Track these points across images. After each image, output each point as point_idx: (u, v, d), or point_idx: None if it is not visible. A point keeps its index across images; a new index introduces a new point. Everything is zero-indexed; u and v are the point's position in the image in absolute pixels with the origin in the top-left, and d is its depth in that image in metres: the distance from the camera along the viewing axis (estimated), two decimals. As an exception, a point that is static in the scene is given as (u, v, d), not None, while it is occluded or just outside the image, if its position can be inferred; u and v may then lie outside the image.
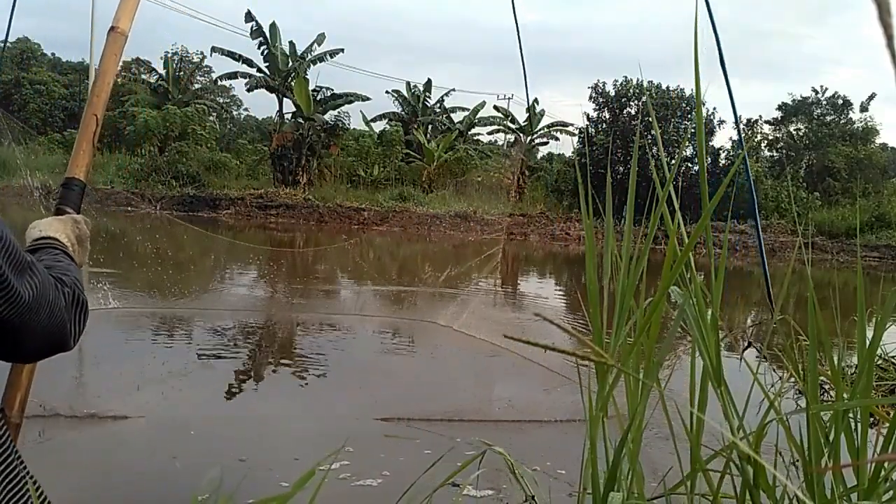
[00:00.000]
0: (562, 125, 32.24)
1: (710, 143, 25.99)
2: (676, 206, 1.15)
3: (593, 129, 27.17)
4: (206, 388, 5.26)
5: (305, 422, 4.64)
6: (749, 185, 2.41)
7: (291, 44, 28.07)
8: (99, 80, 1.48)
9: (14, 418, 1.16)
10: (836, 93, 28.87)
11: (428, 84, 31.68)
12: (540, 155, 34.40)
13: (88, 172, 1.39)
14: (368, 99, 29.39)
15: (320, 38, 27.96)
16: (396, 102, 32.06)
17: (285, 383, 5.67)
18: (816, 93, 29.17)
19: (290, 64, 27.89)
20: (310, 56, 28.07)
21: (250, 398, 5.20)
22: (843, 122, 28.87)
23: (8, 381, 1.17)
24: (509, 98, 32.38)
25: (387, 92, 32.20)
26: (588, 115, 27.87)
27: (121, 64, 1.64)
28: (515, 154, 29.08)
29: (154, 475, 3.57)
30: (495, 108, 32.08)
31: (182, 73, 31.89)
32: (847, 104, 28.78)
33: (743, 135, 28.99)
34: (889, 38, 0.36)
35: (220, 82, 31.70)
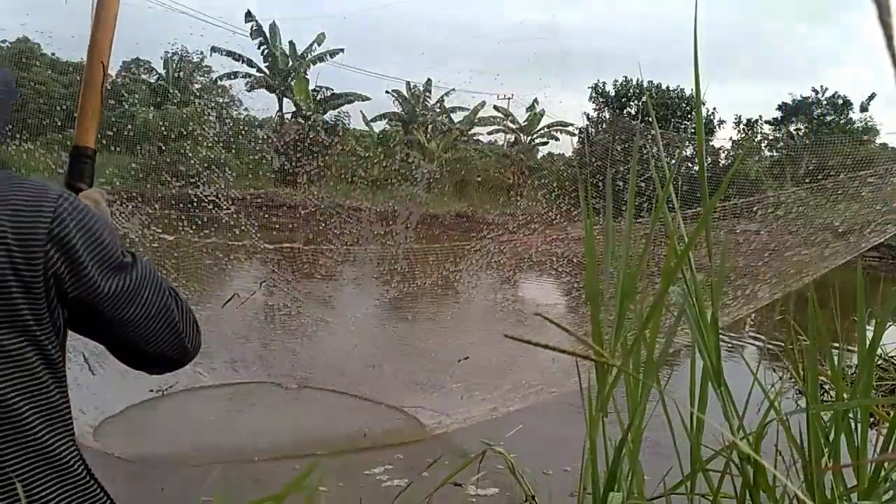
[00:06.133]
0: (562, 125, 32.21)
1: (710, 143, 25.95)
2: (677, 205, 1.15)
3: (593, 130, 27.18)
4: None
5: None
6: None
7: (291, 44, 28.07)
8: (101, 12, 1.21)
9: None
10: (836, 93, 28.85)
11: (428, 84, 31.66)
12: (540, 155, 34.36)
13: (97, 137, 1.19)
14: (368, 99, 29.38)
15: (320, 38, 27.97)
16: (396, 102, 32.02)
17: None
18: (816, 93, 29.15)
19: (290, 64, 27.89)
20: (310, 56, 28.07)
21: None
22: (843, 122, 28.86)
23: None
24: (509, 98, 32.35)
25: (387, 92, 32.13)
26: (588, 115, 27.89)
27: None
28: (515, 154, 29.08)
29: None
30: (495, 108, 32.04)
31: (182, 73, 31.83)
32: (847, 104, 28.77)
33: (743, 135, 29.02)
34: (889, 38, 0.36)
35: (220, 82, 31.64)
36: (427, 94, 31.78)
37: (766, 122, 29.68)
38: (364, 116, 31.56)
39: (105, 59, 1.21)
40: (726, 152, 27.22)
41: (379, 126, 31.59)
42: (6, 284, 0.88)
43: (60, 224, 0.92)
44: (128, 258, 1.01)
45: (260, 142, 25.98)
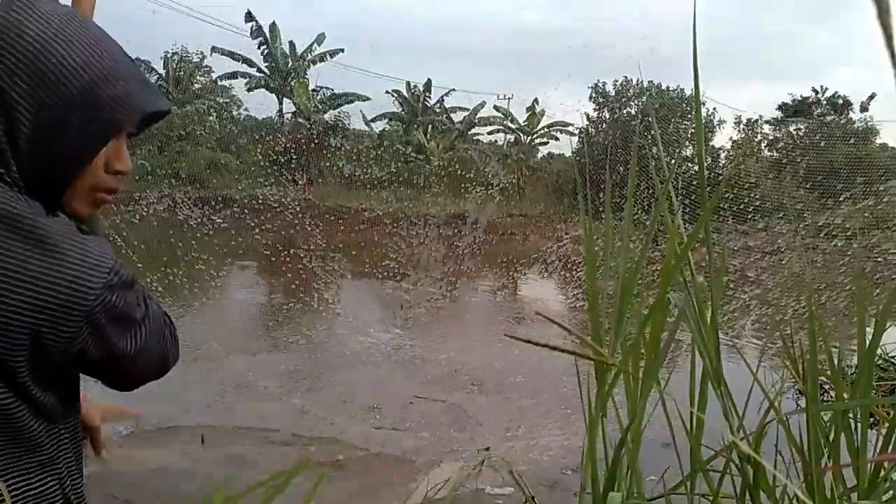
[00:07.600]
0: (562, 125, 32.22)
1: (710, 144, 25.93)
2: (676, 205, 1.15)
3: (593, 129, 27.17)
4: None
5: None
6: None
7: (291, 44, 28.09)
8: None
9: None
10: (836, 93, 28.86)
11: (428, 84, 31.65)
12: (540, 155, 34.36)
13: None
14: (368, 99, 29.38)
15: (320, 38, 27.99)
16: (396, 102, 32.01)
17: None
18: (816, 93, 29.16)
19: (290, 64, 27.90)
20: (310, 56, 28.08)
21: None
22: (843, 122, 28.86)
23: None
24: (509, 98, 32.34)
25: (387, 92, 32.13)
26: (588, 115, 27.87)
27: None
28: (515, 154, 29.07)
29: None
30: (495, 108, 32.04)
31: (182, 73, 31.81)
32: (847, 104, 28.77)
33: (743, 135, 29.04)
34: (888, 38, 0.36)
35: (220, 82, 31.64)
36: (427, 94, 31.78)
37: (766, 122, 29.67)
38: (364, 116, 31.55)
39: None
40: (726, 152, 27.22)
41: (379, 126, 31.59)
42: (21, 349, 0.83)
43: (103, 305, 0.87)
44: (142, 308, 0.95)
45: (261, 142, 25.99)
